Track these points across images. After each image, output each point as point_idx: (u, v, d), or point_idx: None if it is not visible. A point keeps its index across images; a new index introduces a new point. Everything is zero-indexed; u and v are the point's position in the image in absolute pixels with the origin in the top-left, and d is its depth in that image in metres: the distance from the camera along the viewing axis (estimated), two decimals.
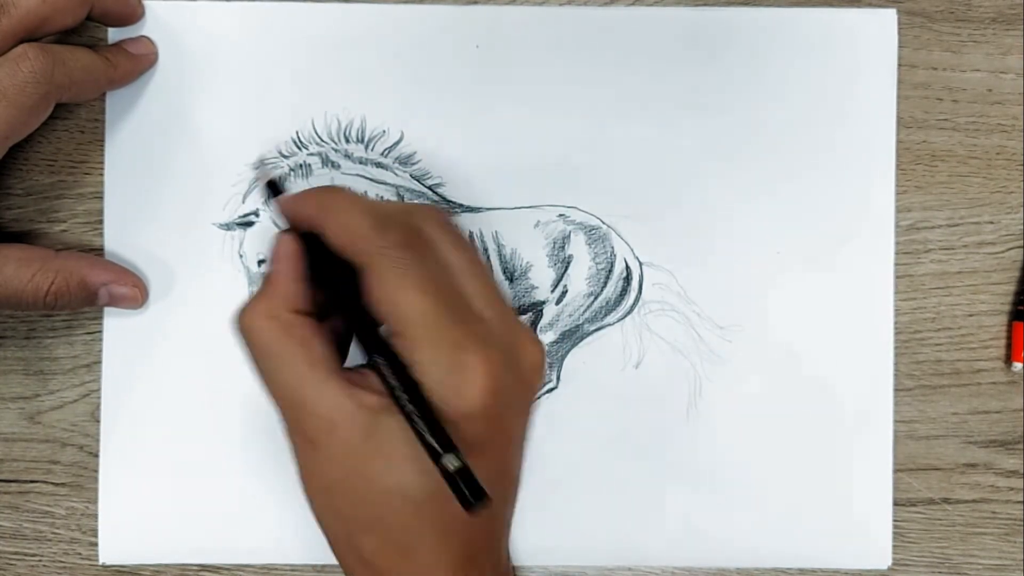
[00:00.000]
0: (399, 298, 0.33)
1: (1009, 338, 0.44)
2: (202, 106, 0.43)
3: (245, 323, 0.35)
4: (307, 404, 0.34)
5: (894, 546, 0.43)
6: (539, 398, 0.43)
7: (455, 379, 0.33)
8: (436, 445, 0.31)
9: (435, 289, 0.33)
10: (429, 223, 0.35)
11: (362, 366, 0.35)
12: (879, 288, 0.43)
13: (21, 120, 0.38)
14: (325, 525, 0.35)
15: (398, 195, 0.43)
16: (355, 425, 0.33)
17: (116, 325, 0.43)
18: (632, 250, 0.44)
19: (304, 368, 0.34)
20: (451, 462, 0.31)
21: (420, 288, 0.33)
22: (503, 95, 0.43)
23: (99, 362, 0.43)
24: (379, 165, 0.43)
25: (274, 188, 0.39)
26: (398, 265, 0.33)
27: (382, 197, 0.43)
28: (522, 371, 0.35)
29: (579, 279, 0.44)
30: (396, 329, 0.33)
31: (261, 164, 0.42)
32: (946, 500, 0.44)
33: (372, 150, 0.43)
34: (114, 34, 0.43)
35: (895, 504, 0.43)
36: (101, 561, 0.43)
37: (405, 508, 0.33)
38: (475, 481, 0.30)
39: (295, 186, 0.43)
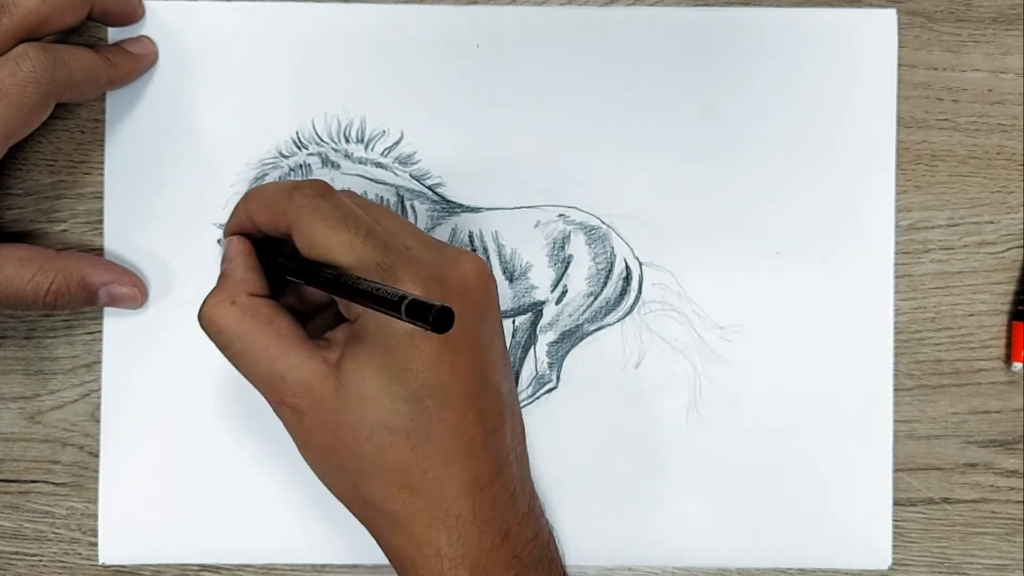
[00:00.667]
0: (323, 238, 0.35)
1: (1009, 338, 0.44)
2: (202, 106, 0.43)
3: (207, 314, 0.36)
4: (283, 375, 0.35)
5: (894, 546, 0.43)
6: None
7: None
8: (389, 297, 0.31)
9: (354, 224, 0.35)
10: (343, 192, 0.37)
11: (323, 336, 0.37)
12: (879, 288, 0.43)
13: (21, 120, 0.38)
14: (333, 486, 0.37)
15: (398, 195, 0.43)
16: (327, 380, 0.35)
17: (116, 325, 0.43)
18: (632, 250, 0.44)
19: (272, 342, 0.35)
20: (401, 300, 0.30)
21: (337, 223, 0.35)
22: (503, 95, 0.43)
23: (99, 362, 0.43)
24: (379, 165, 0.43)
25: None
26: (313, 211, 0.35)
27: (382, 197, 0.43)
28: (459, 281, 0.36)
29: (579, 279, 0.44)
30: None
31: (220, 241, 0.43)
32: (946, 500, 0.44)
33: (372, 150, 0.43)
34: (114, 34, 0.43)
35: (895, 504, 0.43)
36: (101, 561, 0.43)
37: (397, 443, 0.34)
38: (425, 303, 0.29)
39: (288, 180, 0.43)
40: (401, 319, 0.30)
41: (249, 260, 0.37)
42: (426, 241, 0.37)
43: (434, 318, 0.29)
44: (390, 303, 0.30)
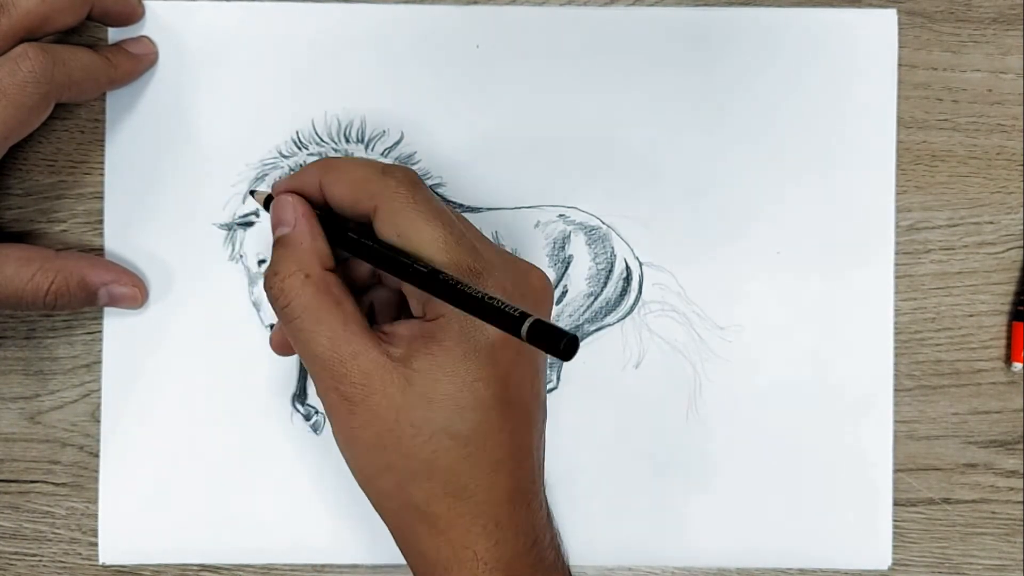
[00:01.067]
0: (416, 228, 0.34)
1: (1009, 338, 0.44)
2: (202, 106, 0.43)
3: (280, 285, 0.35)
4: (344, 362, 0.34)
5: (894, 546, 0.43)
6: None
7: None
8: (512, 314, 0.30)
9: (449, 222, 0.34)
10: (417, 176, 0.36)
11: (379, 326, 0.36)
12: (879, 288, 0.43)
13: (21, 120, 0.38)
14: (372, 483, 0.36)
15: None
16: (392, 376, 0.34)
17: (116, 325, 0.43)
18: (632, 250, 0.44)
19: (339, 326, 0.34)
20: (528, 322, 0.30)
21: (434, 218, 0.34)
22: (503, 95, 0.43)
23: (99, 362, 0.43)
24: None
25: (269, 200, 0.38)
26: (410, 200, 0.34)
27: None
28: (532, 294, 0.36)
29: (579, 279, 0.44)
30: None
31: (252, 194, 0.42)
32: (946, 500, 0.44)
33: (372, 150, 0.43)
34: (114, 34, 0.43)
35: (895, 504, 0.43)
36: (101, 561, 0.43)
37: (455, 448, 0.34)
38: (553, 327, 0.29)
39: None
40: (520, 338, 0.29)
41: (315, 226, 0.36)
42: (496, 248, 0.36)
43: (564, 345, 0.28)
44: (508, 319, 0.30)
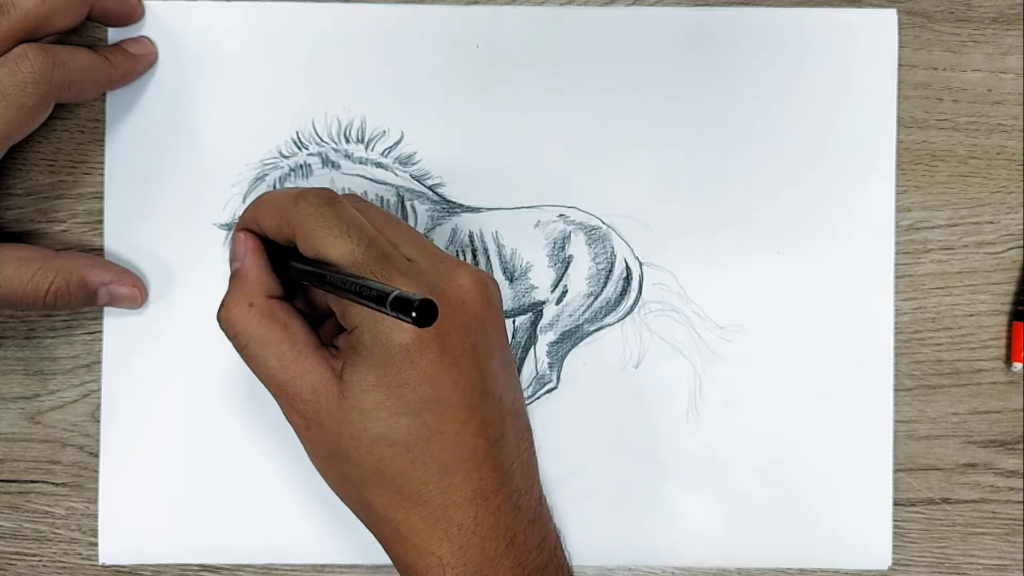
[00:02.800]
0: (325, 247, 0.35)
1: (1009, 338, 0.44)
2: (202, 106, 0.43)
3: (226, 316, 0.37)
4: (295, 381, 0.36)
5: (894, 546, 0.43)
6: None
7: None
8: (378, 293, 0.31)
9: (356, 233, 0.35)
10: (349, 197, 0.38)
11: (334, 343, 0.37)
12: (879, 288, 0.43)
13: (21, 120, 0.38)
14: (339, 494, 0.37)
15: (398, 195, 0.43)
16: (332, 390, 0.35)
17: (116, 325, 0.43)
18: (632, 250, 0.44)
19: (285, 348, 0.36)
20: (389, 295, 0.30)
21: (342, 234, 0.35)
22: (503, 95, 0.43)
23: (99, 362, 0.43)
24: (379, 165, 0.43)
25: None
26: (319, 220, 0.35)
27: (382, 197, 0.43)
28: (459, 292, 0.36)
29: (579, 279, 0.44)
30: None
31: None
32: (946, 500, 0.44)
33: (372, 150, 0.43)
34: (114, 34, 0.43)
35: (895, 504, 0.43)
36: (101, 561, 0.43)
37: (398, 455, 0.35)
38: (408, 297, 0.29)
39: (295, 185, 0.43)
40: (387, 314, 0.30)
41: (261, 259, 0.38)
42: (427, 251, 0.37)
43: (417, 311, 0.29)
44: (377, 299, 0.30)
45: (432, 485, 0.35)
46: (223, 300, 0.37)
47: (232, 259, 0.38)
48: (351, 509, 0.37)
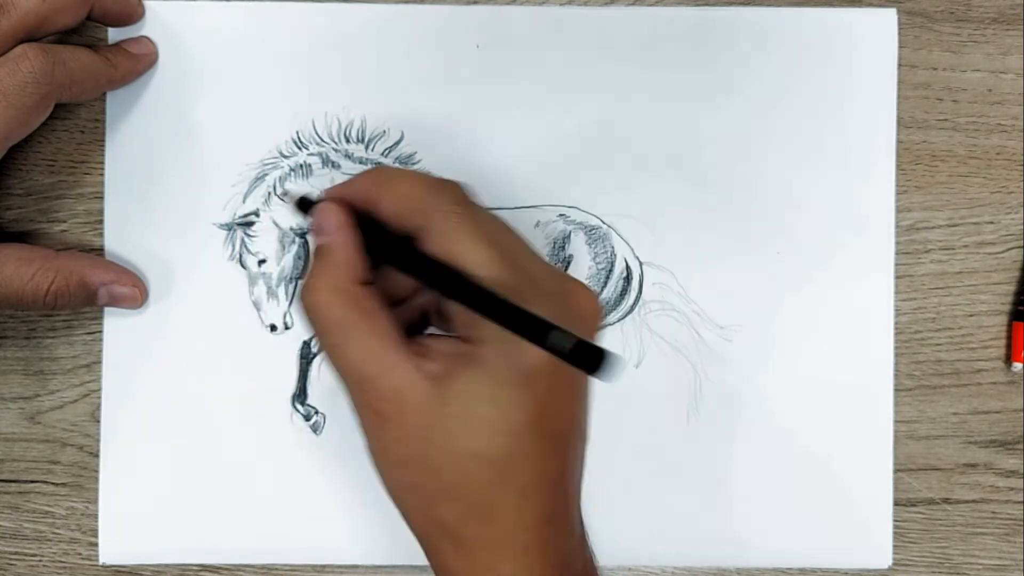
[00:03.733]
0: (463, 249, 0.33)
1: (1009, 338, 0.44)
2: (202, 106, 0.43)
3: (312, 299, 0.34)
4: (377, 377, 0.33)
5: (894, 546, 0.43)
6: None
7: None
8: (551, 329, 0.30)
9: (496, 241, 0.34)
10: (467, 192, 0.36)
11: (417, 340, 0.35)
12: (879, 288, 0.43)
13: (21, 120, 0.38)
14: (402, 499, 0.35)
15: None
16: (426, 394, 0.33)
17: (116, 325, 0.43)
18: (632, 250, 0.44)
19: (372, 341, 0.33)
20: (568, 341, 0.30)
21: (482, 239, 0.33)
22: (503, 95, 0.43)
23: (99, 362, 0.43)
24: (379, 165, 0.43)
25: (305, 202, 0.37)
26: (458, 220, 0.34)
27: None
28: (578, 315, 0.35)
29: (579, 279, 0.44)
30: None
31: (286, 194, 0.42)
32: (946, 500, 0.44)
33: (372, 150, 0.43)
34: (114, 34, 0.43)
35: (895, 504, 0.43)
36: (101, 561, 0.43)
37: (484, 471, 0.33)
38: (594, 346, 0.29)
39: (296, 186, 0.43)
40: (563, 358, 0.29)
41: (353, 236, 0.35)
42: (546, 267, 0.36)
43: (605, 365, 0.29)
44: (549, 336, 0.30)
45: (509, 505, 0.34)
46: (308, 280, 0.34)
47: (317, 231, 0.35)
48: (407, 516, 0.36)
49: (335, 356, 0.34)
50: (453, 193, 0.35)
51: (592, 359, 0.29)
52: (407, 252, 0.34)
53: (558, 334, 0.30)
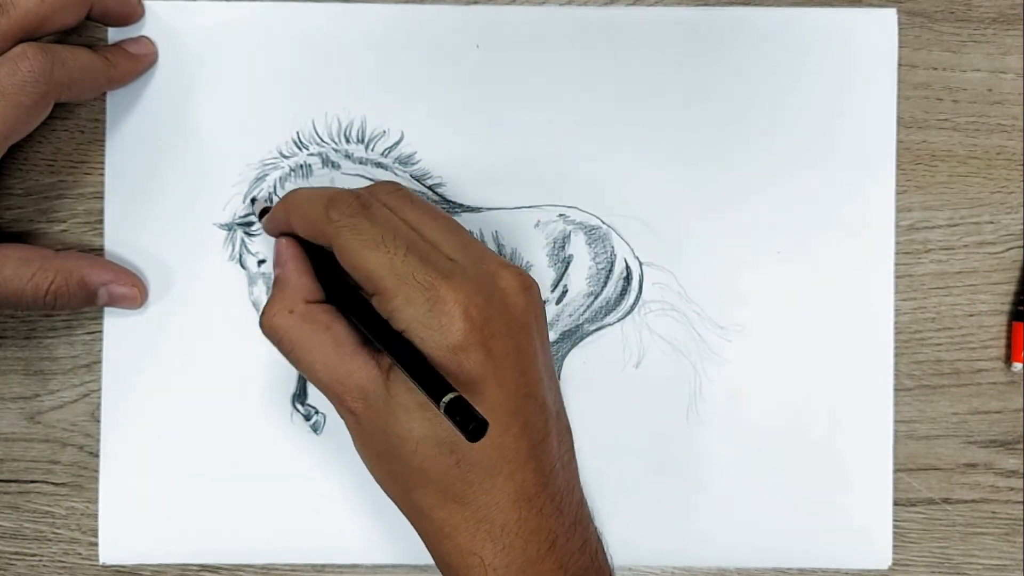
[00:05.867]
0: (361, 258, 0.35)
1: (1009, 338, 0.44)
2: (202, 106, 0.43)
3: (268, 323, 0.37)
4: (342, 380, 0.36)
5: (894, 546, 0.43)
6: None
7: (432, 316, 0.34)
8: (430, 388, 0.32)
9: (392, 241, 0.35)
10: (381, 193, 0.38)
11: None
12: (879, 288, 0.43)
13: (20, 120, 0.38)
14: (386, 490, 0.37)
15: None
16: (380, 387, 0.35)
17: (116, 325, 0.43)
18: (632, 250, 0.44)
19: (331, 349, 0.36)
20: (444, 398, 0.31)
21: (376, 244, 0.35)
22: (503, 95, 0.43)
23: (99, 362, 0.43)
24: (379, 165, 0.43)
25: (264, 212, 0.41)
26: (353, 231, 0.35)
27: None
28: (503, 295, 0.36)
29: (579, 279, 0.44)
30: (372, 288, 0.35)
31: (253, 202, 0.43)
32: (946, 500, 0.44)
33: (372, 150, 0.43)
34: (114, 34, 0.43)
35: (895, 504, 0.43)
36: (101, 561, 0.43)
37: (442, 455, 0.35)
38: (470, 410, 0.31)
39: (295, 185, 0.43)
40: (438, 409, 0.31)
41: (301, 264, 0.38)
42: (468, 248, 0.37)
43: (473, 428, 0.30)
44: (431, 389, 0.32)
45: (475, 486, 0.35)
46: (265, 307, 0.37)
47: (275, 265, 0.39)
48: (398, 506, 0.37)
49: (301, 369, 0.37)
50: (345, 206, 0.36)
51: (463, 417, 0.31)
52: (337, 289, 0.38)
53: (449, 399, 0.31)
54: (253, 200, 0.43)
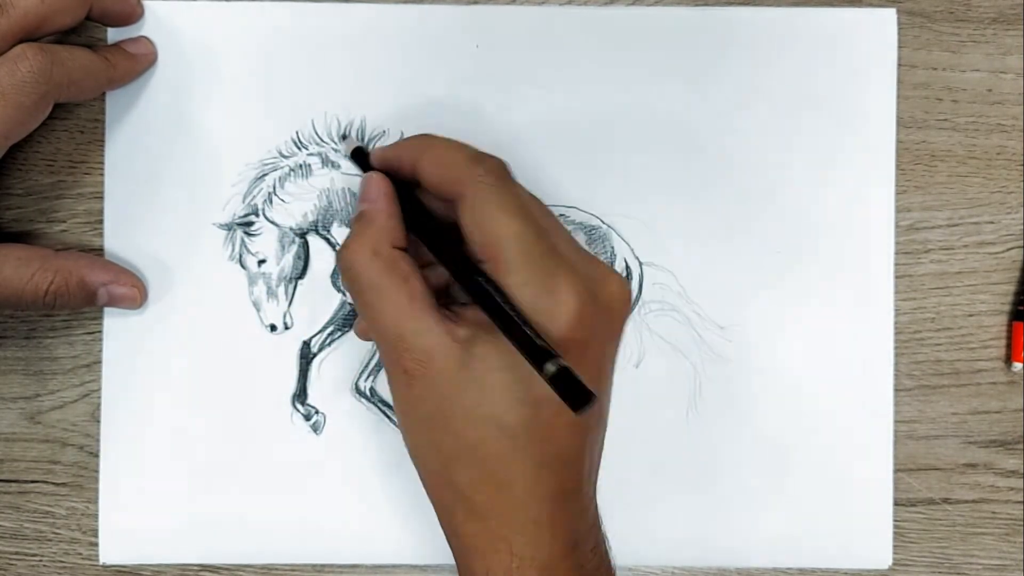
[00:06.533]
0: (496, 221, 0.34)
1: (1009, 338, 0.44)
2: (202, 106, 0.43)
3: (348, 258, 0.36)
4: (407, 336, 0.34)
5: (894, 546, 0.43)
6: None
7: (547, 302, 0.33)
8: (540, 349, 0.31)
9: (528, 215, 0.35)
10: (507, 169, 0.37)
11: (449, 305, 0.37)
12: (879, 288, 0.43)
13: (20, 120, 0.38)
14: (420, 459, 0.36)
15: None
16: (451, 356, 0.34)
17: (116, 325, 0.43)
18: (632, 250, 0.44)
19: (405, 301, 0.35)
20: (554, 365, 0.31)
21: (515, 212, 0.34)
22: (503, 95, 0.43)
23: (99, 362, 0.43)
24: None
25: (360, 153, 0.40)
26: (494, 192, 0.35)
27: None
28: (607, 300, 0.35)
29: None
30: (491, 254, 0.34)
31: (344, 139, 0.43)
32: (946, 500, 0.44)
33: (372, 150, 0.43)
34: (114, 34, 0.43)
35: (895, 504, 0.43)
36: (101, 561, 0.43)
37: (501, 439, 0.34)
38: (579, 382, 0.30)
39: (296, 186, 0.43)
40: (545, 378, 0.30)
41: (394, 207, 0.37)
42: (580, 251, 0.36)
43: (582, 399, 0.30)
44: (539, 353, 0.31)
45: (524, 476, 0.34)
46: (347, 241, 0.36)
47: (362, 199, 0.37)
48: (424, 477, 0.36)
49: (369, 315, 0.35)
50: (492, 166, 0.36)
51: (569, 387, 0.30)
52: (436, 236, 0.36)
53: (543, 351, 0.31)
54: (344, 137, 0.42)
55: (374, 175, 0.38)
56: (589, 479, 0.37)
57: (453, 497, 0.35)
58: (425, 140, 0.38)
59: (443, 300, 0.36)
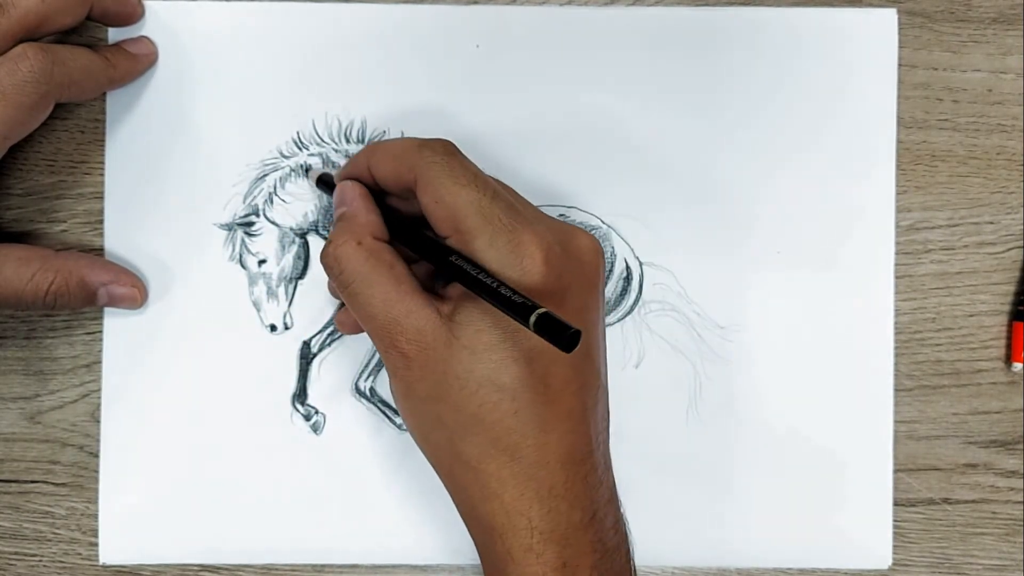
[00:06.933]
0: (450, 193, 0.35)
1: (1009, 338, 0.44)
2: (202, 106, 0.43)
3: (333, 252, 0.36)
4: (398, 320, 0.35)
5: (894, 546, 0.43)
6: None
7: (513, 257, 0.34)
8: (520, 304, 0.32)
9: (483, 183, 0.36)
10: (454, 148, 0.38)
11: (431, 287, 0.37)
12: (879, 288, 0.43)
13: (20, 120, 0.38)
14: (426, 439, 0.37)
15: None
16: (440, 330, 0.35)
17: (116, 325, 0.43)
18: (632, 250, 0.44)
19: (391, 287, 0.35)
20: (534, 314, 0.31)
21: (467, 181, 0.35)
22: (503, 95, 0.43)
23: (99, 362, 0.43)
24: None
25: (325, 178, 0.42)
26: (444, 168, 0.36)
27: None
28: (576, 252, 0.36)
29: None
30: (452, 226, 0.35)
31: (309, 169, 0.43)
32: (946, 500, 0.44)
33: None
34: (114, 34, 0.43)
35: (895, 504, 0.43)
36: (101, 561, 0.43)
37: (502, 400, 0.34)
38: (561, 321, 0.30)
39: (296, 186, 0.43)
40: (532, 328, 0.31)
41: (369, 203, 0.38)
42: (544, 215, 0.37)
43: (568, 338, 0.30)
44: (519, 308, 0.31)
45: (530, 439, 0.35)
46: (330, 238, 0.37)
47: (338, 205, 0.38)
48: (434, 460, 0.37)
49: (358, 304, 0.36)
50: (438, 146, 0.37)
51: (554, 331, 0.30)
52: (406, 229, 0.37)
53: (522, 305, 0.32)
54: (308, 169, 0.43)
55: (347, 182, 0.39)
56: (598, 446, 0.37)
57: (465, 474, 0.36)
58: (373, 144, 0.39)
59: (427, 289, 0.37)
